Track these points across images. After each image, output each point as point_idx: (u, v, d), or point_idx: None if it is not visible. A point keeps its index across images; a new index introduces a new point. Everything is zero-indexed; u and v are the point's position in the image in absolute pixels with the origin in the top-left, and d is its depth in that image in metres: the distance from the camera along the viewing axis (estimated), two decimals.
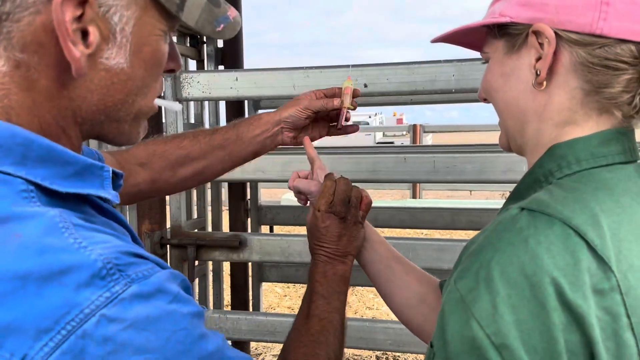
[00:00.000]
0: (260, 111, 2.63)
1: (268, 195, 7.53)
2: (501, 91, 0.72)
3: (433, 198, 7.73)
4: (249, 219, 2.72)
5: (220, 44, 2.42)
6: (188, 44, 2.37)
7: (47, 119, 0.60)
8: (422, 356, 3.30)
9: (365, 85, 1.59)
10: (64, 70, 0.58)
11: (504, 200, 0.76)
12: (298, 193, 1.08)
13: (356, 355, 3.43)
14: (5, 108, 0.58)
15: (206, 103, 2.43)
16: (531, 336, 0.53)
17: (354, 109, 1.17)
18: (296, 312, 0.95)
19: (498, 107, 0.74)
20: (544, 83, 0.65)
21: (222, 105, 2.50)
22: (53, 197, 0.58)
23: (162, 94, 1.76)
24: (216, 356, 0.58)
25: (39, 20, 0.56)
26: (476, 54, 0.79)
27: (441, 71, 1.55)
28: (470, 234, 4.88)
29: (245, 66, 2.49)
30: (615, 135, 0.65)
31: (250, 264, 2.69)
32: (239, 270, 2.67)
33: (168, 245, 1.89)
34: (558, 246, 0.54)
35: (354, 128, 1.23)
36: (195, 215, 2.45)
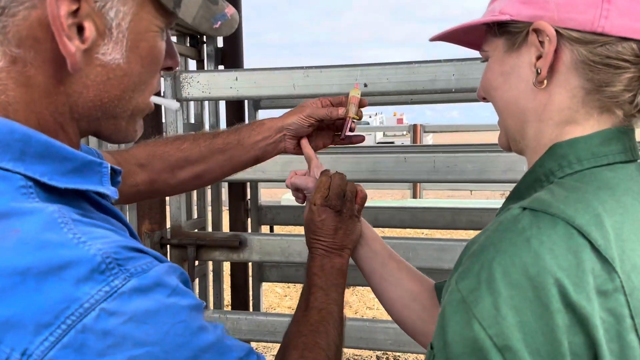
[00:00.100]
0: (260, 111, 2.63)
1: (268, 195, 7.53)
2: (501, 90, 0.71)
3: (433, 198, 7.72)
4: (249, 219, 2.72)
5: (220, 43, 2.42)
6: (188, 44, 2.37)
7: (44, 115, 0.60)
8: (422, 356, 3.30)
9: (366, 85, 1.59)
10: (60, 66, 0.58)
11: (503, 200, 0.75)
12: (296, 190, 1.08)
13: (356, 355, 3.43)
14: (3, 104, 0.58)
15: (206, 103, 2.43)
16: (534, 338, 0.52)
17: (360, 119, 1.14)
18: None
19: (497, 106, 0.74)
20: (545, 82, 0.65)
21: (222, 105, 2.50)
22: (52, 193, 0.58)
23: (163, 94, 1.76)
24: (215, 347, 0.58)
25: (34, 14, 0.56)
26: (476, 54, 0.78)
27: (441, 71, 1.55)
28: (470, 234, 4.88)
29: (245, 66, 2.48)
30: (616, 134, 0.64)
31: (250, 264, 2.69)
32: (239, 270, 2.67)
33: (168, 245, 1.89)
34: (561, 246, 0.54)
35: (359, 138, 1.20)
36: (195, 215, 2.45)
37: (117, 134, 0.68)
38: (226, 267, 2.89)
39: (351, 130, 1.14)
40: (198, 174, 1.14)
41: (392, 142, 12.51)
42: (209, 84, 1.73)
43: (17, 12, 0.56)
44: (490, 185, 6.35)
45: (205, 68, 2.39)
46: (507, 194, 0.74)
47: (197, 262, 1.92)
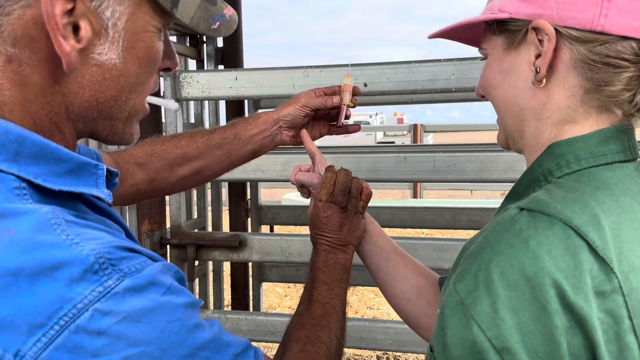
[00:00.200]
0: (260, 111, 2.63)
1: (269, 195, 7.54)
2: (499, 88, 0.71)
3: (434, 197, 7.72)
4: (249, 219, 2.72)
5: (220, 43, 2.42)
6: (188, 44, 2.37)
7: (40, 115, 0.60)
8: (422, 356, 3.30)
9: (365, 85, 1.59)
10: (56, 65, 0.58)
11: (502, 200, 0.75)
12: (301, 186, 1.08)
13: (357, 355, 3.43)
14: None
15: (206, 103, 2.43)
16: (533, 339, 0.52)
17: (354, 107, 1.15)
18: None
19: (496, 104, 0.73)
20: (544, 80, 0.64)
21: (222, 105, 2.49)
22: (46, 194, 0.58)
23: (162, 94, 1.76)
24: (212, 344, 0.58)
25: (29, 13, 0.56)
26: (476, 53, 0.78)
27: (441, 70, 1.54)
28: (471, 234, 4.87)
29: (245, 66, 2.48)
30: (615, 133, 0.64)
31: (250, 264, 2.69)
32: (239, 270, 2.67)
33: (168, 246, 1.89)
34: (559, 247, 0.54)
35: (355, 127, 1.22)
36: (195, 215, 2.45)
37: (114, 136, 0.68)
38: (226, 267, 2.89)
39: (346, 117, 1.15)
40: (197, 170, 1.14)
41: (393, 142, 12.51)
42: (208, 83, 1.73)
43: (12, 10, 0.55)
44: (491, 184, 6.35)
45: (205, 68, 2.39)
46: (507, 193, 0.74)
47: (197, 262, 1.92)
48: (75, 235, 0.53)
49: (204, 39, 2.39)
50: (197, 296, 2.38)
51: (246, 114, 2.56)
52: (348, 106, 1.14)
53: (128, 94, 0.64)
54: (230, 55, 2.42)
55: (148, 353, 0.52)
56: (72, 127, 0.64)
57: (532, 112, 0.67)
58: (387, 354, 3.44)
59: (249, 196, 2.70)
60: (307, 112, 1.13)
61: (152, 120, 1.86)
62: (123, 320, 0.51)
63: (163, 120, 1.83)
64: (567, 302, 0.52)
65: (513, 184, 0.73)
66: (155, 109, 1.85)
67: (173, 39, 2.39)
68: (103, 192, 0.64)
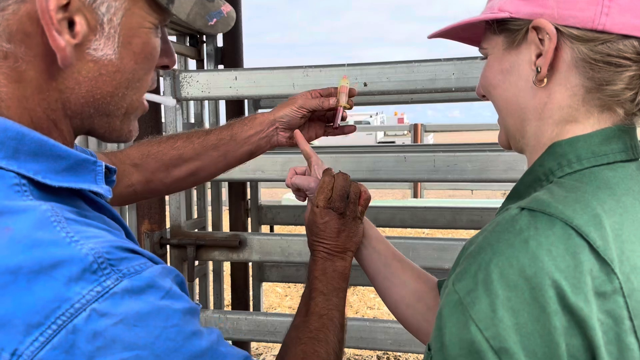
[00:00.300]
0: (260, 111, 2.63)
1: (269, 195, 7.54)
2: (500, 88, 0.70)
3: (434, 197, 7.72)
4: (249, 219, 2.72)
5: (220, 43, 2.42)
6: (187, 44, 2.36)
7: (37, 112, 0.60)
8: (422, 356, 3.28)
9: (365, 84, 1.58)
10: (51, 61, 0.58)
11: (503, 200, 0.75)
12: (297, 190, 1.07)
13: (357, 355, 3.43)
14: None
15: (206, 102, 2.42)
16: (531, 340, 0.51)
17: (350, 108, 1.15)
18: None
19: (497, 104, 0.73)
20: (545, 80, 0.64)
21: (222, 105, 2.49)
22: (46, 191, 0.57)
23: (162, 94, 1.76)
24: (209, 353, 0.57)
25: (23, 9, 0.56)
26: (476, 52, 0.78)
27: (441, 70, 1.54)
28: (471, 233, 4.87)
29: (245, 66, 2.48)
30: (616, 132, 0.63)
31: (250, 264, 2.69)
32: (239, 270, 2.67)
33: (168, 245, 1.89)
34: (559, 247, 0.53)
35: (351, 128, 1.21)
36: (195, 215, 2.44)
37: (111, 133, 0.68)
38: (226, 267, 2.89)
39: (343, 119, 1.15)
40: (193, 172, 1.14)
41: (393, 142, 12.51)
42: (208, 83, 1.73)
43: (7, 6, 0.55)
44: (491, 184, 6.35)
45: (205, 67, 2.38)
46: (508, 193, 0.74)
47: (197, 262, 1.92)
48: (75, 233, 0.53)
49: (204, 39, 2.38)
50: (197, 296, 2.38)
51: (246, 114, 2.55)
52: (344, 108, 1.14)
53: (125, 90, 0.64)
54: (230, 55, 2.42)
55: (142, 358, 0.51)
56: (69, 124, 0.64)
57: (533, 111, 0.67)
58: (387, 354, 3.44)
59: (249, 196, 2.70)
60: (304, 114, 1.13)
61: (152, 120, 1.86)
62: (119, 322, 0.50)
63: (163, 120, 1.83)
64: (567, 302, 0.51)
65: (513, 184, 0.72)
66: (155, 108, 1.85)
67: (173, 38, 2.38)
68: (102, 188, 0.64)
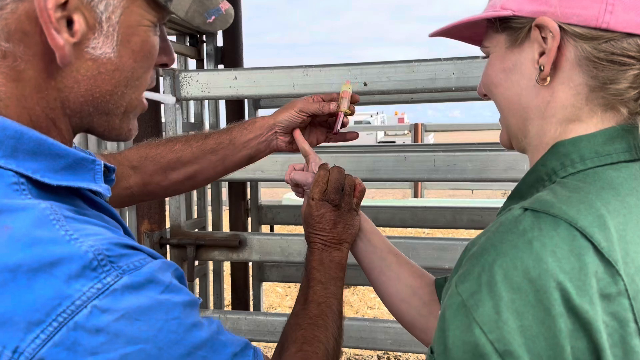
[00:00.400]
0: (260, 110, 2.63)
1: (269, 195, 7.54)
2: (502, 87, 0.70)
3: (435, 197, 7.72)
4: (249, 219, 2.72)
5: (220, 43, 2.42)
6: (187, 43, 2.36)
7: (36, 111, 0.60)
8: (423, 356, 3.29)
9: (365, 84, 1.58)
10: (50, 60, 0.58)
11: (504, 199, 0.74)
12: (295, 186, 1.08)
13: (357, 355, 3.42)
14: None
15: (206, 102, 2.42)
16: (536, 343, 0.51)
17: (352, 114, 1.14)
18: None
19: (499, 103, 0.72)
20: (548, 79, 0.63)
21: (222, 105, 2.49)
22: (44, 190, 0.58)
23: (162, 92, 1.75)
24: (210, 343, 0.58)
25: (22, 8, 0.55)
26: (476, 52, 0.77)
27: (441, 69, 1.54)
28: (471, 233, 4.87)
29: (245, 66, 2.48)
30: (620, 132, 0.63)
31: (250, 263, 2.69)
32: (239, 270, 2.67)
33: (168, 245, 1.89)
34: (564, 249, 0.52)
35: (353, 135, 1.20)
36: (195, 215, 2.44)
37: (111, 132, 0.68)
38: (226, 267, 2.89)
39: (344, 125, 1.13)
40: (190, 175, 1.13)
41: (394, 142, 12.52)
42: (208, 83, 1.73)
43: (5, 5, 0.55)
44: (492, 184, 6.34)
45: (205, 67, 2.38)
46: (509, 193, 0.73)
47: (196, 262, 1.92)
48: (74, 230, 0.53)
49: (204, 39, 2.38)
50: (197, 296, 2.38)
51: (246, 114, 2.55)
52: (345, 113, 1.12)
53: (124, 89, 0.64)
54: (230, 55, 2.42)
55: (145, 351, 0.52)
56: (68, 123, 0.63)
57: (536, 110, 0.66)
58: (387, 353, 3.43)
59: (249, 196, 2.70)
60: (304, 118, 1.12)
61: (152, 120, 1.86)
62: (121, 317, 0.51)
63: (163, 120, 1.83)
64: (572, 305, 0.50)
65: (514, 184, 0.72)
66: (155, 108, 1.84)
67: (172, 38, 2.38)
68: (101, 187, 0.64)
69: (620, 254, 0.53)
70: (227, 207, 2.67)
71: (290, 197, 6.04)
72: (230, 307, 2.73)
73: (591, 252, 0.52)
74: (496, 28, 0.68)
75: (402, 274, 1.00)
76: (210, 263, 2.48)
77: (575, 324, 0.50)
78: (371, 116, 17.24)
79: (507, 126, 0.73)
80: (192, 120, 2.44)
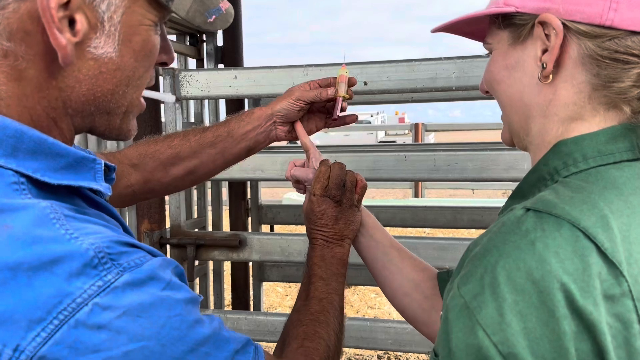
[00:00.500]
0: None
1: (270, 195, 7.54)
2: (504, 84, 0.69)
3: (435, 197, 7.71)
4: (250, 219, 2.71)
5: (220, 42, 2.42)
6: (187, 43, 2.36)
7: (37, 110, 0.60)
8: (423, 356, 3.29)
9: (365, 83, 1.58)
10: (52, 59, 0.58)
11: (505, 199, 0.74)
12: (296, 182, 1.07)
13: (357, 354, 3.42)
14: None
15: (206, 102, 2.42)
16: (540, 345, 0.50)
17: (350, 98, 1.12)
18: None
19: (501, 100, 0.72)
20: (550, 76, 0.63)
21: (222, 104, 2.49)
22: (44, 189, 0.58)
23: (162, 92, 1.75)
24: (212, 340, 0.58)
25: (23, 7, 0.55)
26: (476, 51, 0.77)
27: (441, 68, 1.53)
28: (472, 232, 4.86)
29: (246, 65, 2.48)
30: (623, 131, 0.62)
31: (250, 263, 2.69)
32: (239, 270, 2.66)
33: (168, 245, 1.88)
34: (567, 250, 0.52)
35: (352, 118, 1.18)
36: (195, 215, 2.44)
37: (111, 131, 0.68)
38: (227, 266, 2.88)
39: (342, 110, 1.12)
40: (191, 170, 1.13)
41: (394, 141, 12.52)
42: (207, 82, 1.72)
43: (7, 4, 0.55)
44: (492, 183, 6.34)
45: (205, 67, 2.38)
46: (509, 192, 0.72)
47: (197, 262, 1.92)
48: (75, 229, 0.53)
49: (204, 38, 2.38)
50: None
51: None
52: (344, 98, 1.10)
53: (125, 88, 0.64)
54: (230, 54, 2.41)
55: (149, 348, 0.52)
56: (69, 122, 0.64)
57: (538, 108, 0.66)
58: (388, 353, 3.43)
59: (249, 195, 2.70)
60: (302, 106, 1.10)
61: (152, 119, 1.85)
62: (123, 315, 0.51)
63: (162, 120, 1.82)
64: (576, 306, 0.50)
65: (514, 183, 0.71)
66: (155, 107, 1.84)
67: (172, 37, 2.38)
68: (102, 186, 0.64)
69: (624, 254, 0.52)
70: (227, 207, 2.67)
71: (290, 197, 6.04)
72: (230, 307, 2.73)
73: (594, 252, 0.52)
74: (499, 24, 0.68)
75: (405, 267, 1.00)
76: (211, 263, 2.48)
77: (579, 325, 0.50)
78: (372, 116, 17.25)
79: (509, 124, 0.73)
80: (192, 119, 2.44)
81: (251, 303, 2.72)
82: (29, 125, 0.58)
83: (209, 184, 2.52)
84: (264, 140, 1.14)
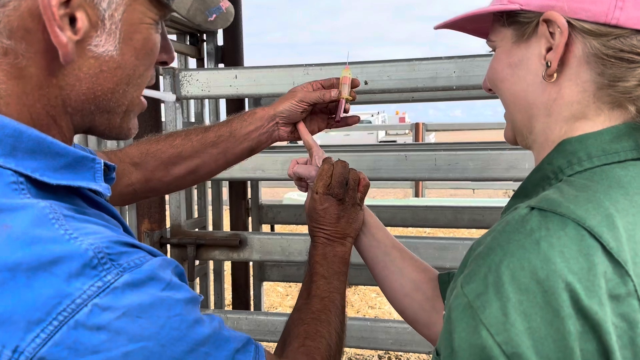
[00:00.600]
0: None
1: (270, 195, 7.54)
2: (508, 82, 0.69)
3: (436, 196, 7.71)
4: (250, 218, 2.71)
5: (220, 42, 2.41)
6: (188, 42, 2.36)
7: (37, 109, 0.59)
8: (424, 356, 3.29)
9: (366, 83, 1.57)
10: (52, 57, 0.58)
11: (506, 198, 0.73)
12: (298, 179, 1.07)
13: (358, 354, 3.42)
14: None
15: (206, 101, 2.42)
16: (545, 345, 0.49)
17: (353, 100, 1.12)
18: None
19: (504, 98, 0.71)
20: (555, 75, 0.62)
21: (223, 104, 2.49)
22: (44, 189, 0.57)
23: (162, 90, 1.75)
24: (212, 339, 0.58)
25: (24, 5, 0.55)
26: (477, 50, 0.77)
27: (442, 68, 1.53)
28: (472, 232, 4.86)
29: (246, 65, 2.47)
30: (628, 130, 0.61)
31: (251, 263, 2.69)
32: (240, 270, 2.66)
33: (168, 245, 1.88)
34: (572, 249, 0.51)
35: (354, 119, 1.18)
36: (196, 215, 2.44)
37: (112, 130, 0.67)
38: (227, 266, 2.88)
39: (345, 111, 1.12)
40: (192, 169, 1.12)
41: (395, 141, 12.51)
42: (208, 82, 1.72)
43: (7, 2, 0.55)
44: (493, 183, 6.34)
45: (205, 66, 2.38)
46: (510, 192, 0.72)
47: (197, 262, 1.91)
48: (74, 229, 0.53)
49: (204, 38, 2.38)
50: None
51: None
52: (347, 100, 1.10)
53: (126, 87, 0.64)
54: (230, 54, 2.41)
55: (148, 349, 0.52)
56: (69, 121, 0.63)
57: (542, 107, 0.65)
58: (388, 353, 3.43)
59: (249, 195, 2.69)
60: (305, 108, 1.10)
61: (152, 119, 1.85)
62: (123, 315, 0.51)
63: (163, 119, 1.82)
64: (581, 306, 0.49)
65: (516, 183, 0.71)
66: (155, 107, 1.84)
67: (173, 37, 2.38)
68: (101, 186, 0.63)
69: (630, 254, 0.52)
70: (228, 207, 2.67)
71: (291, 197, 6.04)
72: (230, 306, 2.73)
73: (600, 252, 0.51)
74: (503, 22, 0.67)
75: (406, 268, 1.00)
76: (211, 263, 2.48)
77: (585, 325, 0.49)
78: (372, 116, 17.25)
79: (512, 122, 0.72)
80: (193, 119, 2.44)
81: (252, 303, 2.72)
82: (29, 124, 0.57)
83: (209, 183, 2.52)
84: (266, 140, 1.14)
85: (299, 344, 0.81)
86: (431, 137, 9.53)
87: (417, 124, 7.61)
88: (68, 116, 0.62)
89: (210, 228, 2.53)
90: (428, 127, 7.91)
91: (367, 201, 1.06)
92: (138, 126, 0.71)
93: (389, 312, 4.10)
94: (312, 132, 1.15)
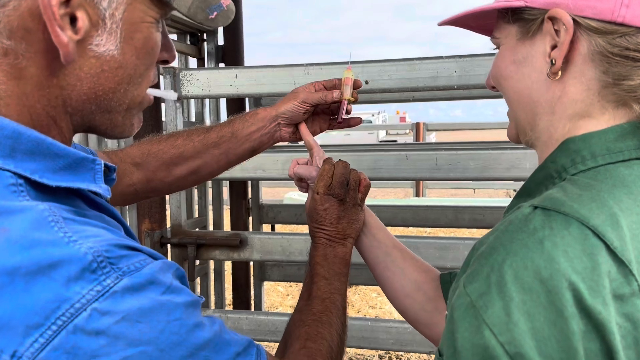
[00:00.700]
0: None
1: (270, 194, 7.54)
2: (512, 80, 0.68)
3: (436, 196, 7.71)
4: (251, 218, 2.71)
5: (220, 41, 2.41)
6: (188, 42, 2.36)
7: (37, 110, 0.59)
8: (425, 356, 3.29)
9: (367, 82, 1.57)
10: (53, 57, 0.57)
11: (507, 198, 0.73)
12: (299, 180, 1.07)
13: (359, 354, 3.42)
14: None
15: (207, 101, 2.42)
16: (548, 345, 0.49)
17: (355, 101, 1.12)
18: None
19: (508, 96, 0.71)
20: (559, 73, 0.62)
21: (223, 103, 2.49)
22: (43, 191, 0.57)
23: (162, 89, 1.75)
24: (212, 344, 0.57)
25: (24, 5, 0.55)
26: (478, 50, 0.76)
27: (443, 67, 1.53)
28: (473, 232, 4.86)
29: (246, 65, 2.47)
30: (632, 129, 0.61)
31: (251, 263, 2.68)
32: (240, 270, 2.66)
33: (168, 245, 1.88)
34: (575, 248, 0.51)
35: (356, 120, 1.18)
36: (196, 214, 2.44)
37: (113, 129, 0.67)
38: (228, 266, 2.88)
39: (347, 112, 1.12)
40: (194, 170, 1.12)
41: (395, 141, 12.50)
42: (208, 81, 1.72)
43: (7, 2, 0.54)
44: (494, 183, 6.33)
45: (206, 66, 2.37)
46: (511, 192, 0.72)
47: (197, 262, 1.91)
48: (73, 232, 0.52)
49: (205, 37, 2.38)
50: (199, 295, 2.38)
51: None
52: (349, 101, 1.10)
53: (127, 86, 0.63)
54: (230, 54, 2.41)
55: (147, 353, 0.51)
56: (69, 121, 0.63)
57: (546, 105, 0.65)
58: (389, 353, 3.43)
59: (250, 195, 2.69)
60: (307, 109, 1.10)
61: (152, 119, 1.85)
62: (122, 320, 0.50)
63: (163, 119, 1.82)
64: (584, 305, 0.49)
65: (516, 182, 0.71)
66: (156, 107, 1.84)
67: (173, 36, 2.38)
68: (101, 188, 0.63)
69: (634, 253, 0.51)
70: (228, 206, 2.66)
71: (291, 197, 6.04)
72: (231, 306, 2.73)
73: (604, 251, 0.51)
74: (508, 19, 0.67)
75: (407, 269, 0.99)
76: (212, 262, 2.48)
77: (588, 325, 0.49)
78: (372, 115, 17.23)
79: (515, 120, 0.72)
80: (193, 119, 2.44)
81: (252, 303, 2.72)
82: (29, 125, 0.57)
83: (209, 183, 2.52)
84: (267, 141, 1.14)
85: (300, 346, 0.80)
86: (432, 137, 9.53)
87: (417, 124, 7.60)
88: (68, 116, 0.62)
89: (211, 228, 2.53)
90: (429, 127, 7.90)
91: (368, 201, 1.06)
92: (142, 120, 0.70)
93: (389, 312, 4.10)
94: (314, 133, 1.15)
